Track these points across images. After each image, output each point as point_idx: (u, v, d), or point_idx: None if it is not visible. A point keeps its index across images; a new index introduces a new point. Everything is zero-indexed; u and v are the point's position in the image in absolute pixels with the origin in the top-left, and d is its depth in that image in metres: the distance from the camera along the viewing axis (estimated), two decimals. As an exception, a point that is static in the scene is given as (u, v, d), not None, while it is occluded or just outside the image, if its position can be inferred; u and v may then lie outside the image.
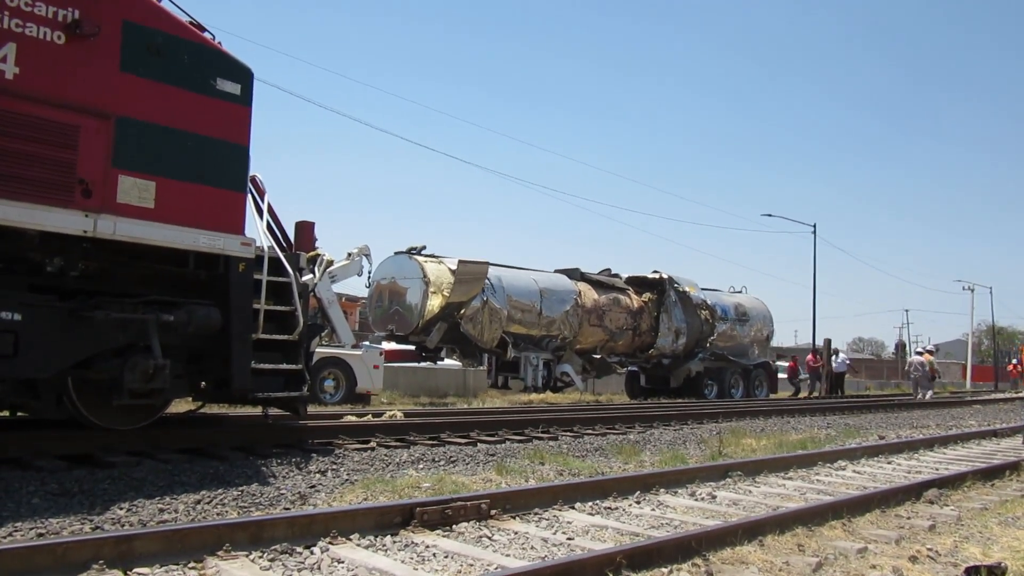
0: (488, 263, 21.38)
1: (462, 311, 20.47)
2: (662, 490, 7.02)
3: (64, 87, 6.25)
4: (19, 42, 6.00)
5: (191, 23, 7.28)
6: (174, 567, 4.18)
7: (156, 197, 6.79)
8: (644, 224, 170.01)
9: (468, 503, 5.57)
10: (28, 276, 6.63)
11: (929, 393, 27.12)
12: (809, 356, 32.48)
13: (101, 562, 4.00)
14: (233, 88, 7.34)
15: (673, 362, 25.66)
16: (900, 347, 75.25)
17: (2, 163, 5.93)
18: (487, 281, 21.04)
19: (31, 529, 5.06)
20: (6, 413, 7.76)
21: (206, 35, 7.39)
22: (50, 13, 6.16)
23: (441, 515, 5.36)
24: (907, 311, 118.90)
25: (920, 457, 10.49)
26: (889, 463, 9.73)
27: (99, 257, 6.81)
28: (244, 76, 7.45)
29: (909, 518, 6.28)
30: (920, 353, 29.24)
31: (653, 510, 6.30)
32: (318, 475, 7.33)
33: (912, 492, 7.12)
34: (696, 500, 6.78)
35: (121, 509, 5.66)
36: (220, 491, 6.41)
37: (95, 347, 6.91)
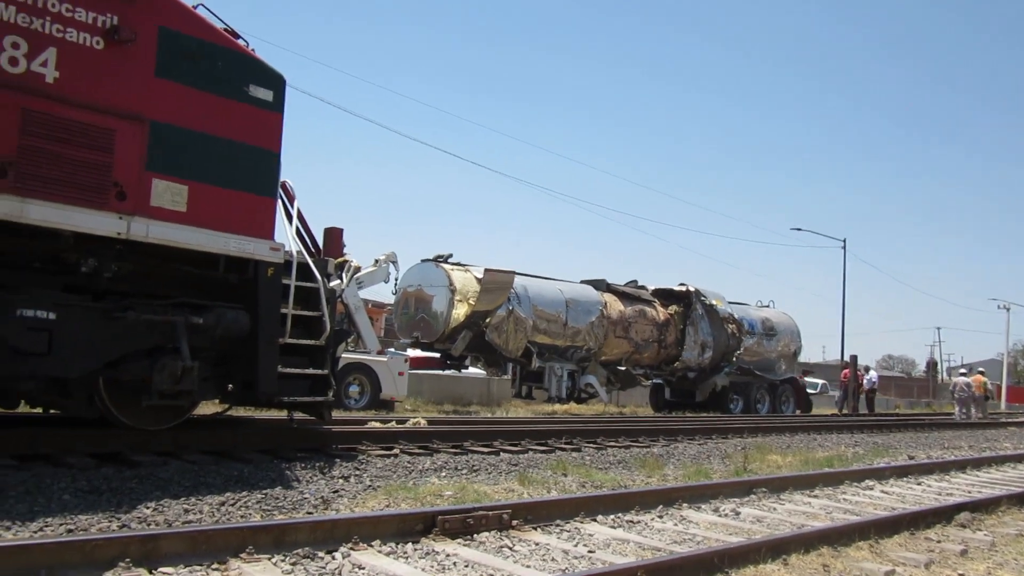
0: (514, 272, 21.39)
1: (487, 320, 20.49)
2: (685, 505, 6.96)
3: (101, 91, 6.36)
4: (60, 47, 6.13)
5: (225, 30, 7.39)
6: (198, 568, 4.22)
7: (188, 201, 6.89)
8: (671, 236, 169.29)
9: (490, 513, 5.56)
10: (62, 276, 6.74)
11: (979, 413, 26.81)
12: (843, 372, 32.09)
13: (128, 560, 4.05)
14: (265, 94, 7.43)
15: (698, 375, 25.48)
16: (931, 365, 74.07)
17: (40, 165, 6.04)
18: (513, 290, 21.05)
19: (61, 525, 5.14)
20: (39, 410, 7.88)
21: (239, 42, 7.49)
22: (90, 19, 6.29)
23: (463, 524, 5.35)
24: (939, 329, 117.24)
25: (951, 479, 10.30)
26: (919, 484, 9.57)
27: (132, 259, 6.91)
28: (276, 82, 7.54)
29: (939, 541, 6.16)
30: (965, 374, 28.82)
31: (676, 525, 6.25)
32: (341, 480, 7.36)
33: (943, 515, 6.98)
34: (719, 516, 6.72)
35: (148, 508, 5.73)
36: (244, 493, 6.46)
37: (126, 347, 7.01)
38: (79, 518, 5.32)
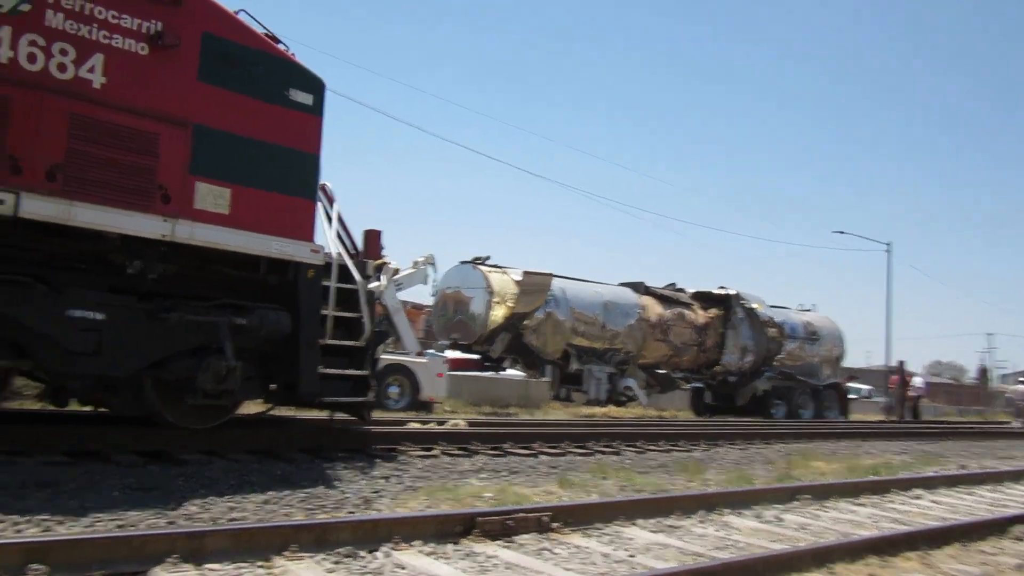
0: (552, 275, 21.37)
1: (526, 322, 20.48)
2: (726, 510, 6.86)
3: (146, 96, 6.48)
4: (106, 53, 6.26)
5: (266, 35, 7.48)
6: (243, 564, 4.26)
7: (231, 204, 6.99)
8: (711, 239, 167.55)
9: (529, 515, 5.54)
10: (109, 277, 6.88)
11: None
12: (892, 378, 31.44)
13: (175, 556, 4.11)
14: (305, 99, 7.52)
15: (739, 380, 25.18)
16: (983, 372, 72.23)
17: (88, 169, 6.18)
18: (551, 293, 21.02)
19: (111, 520, 5.23)
20: (88, 408, 8.06)
21: (280, 47, 7.58)
22: (135, 25, 6.41)
23: (502, 526, 5.34)
24: (990, 335, 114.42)
25: (1005, 490, 10.00)
26: (970, 494, 9.31)
27: (176, 261, 7.03)
28: (316, 87, 7.62)
29: (994, 554, 5.97)
30: (1023, 381, 28.06)
31: (717, 531, 6.16)
32: (382, 480, 7.40)
33: (997, 527, 6.76)
34: (762, 522, 6.61)
35: (194, 506, 5.81)
36: (287, 492, 6.52)
37: (171, 348, 7.13)
38: (128, 514, 5.42)
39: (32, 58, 5.92)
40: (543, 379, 22.40)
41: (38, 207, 5.98)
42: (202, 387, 7.18)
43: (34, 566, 3.76)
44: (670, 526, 6.15)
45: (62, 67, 6.04)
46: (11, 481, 5.73)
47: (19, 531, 4.82)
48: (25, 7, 5.87)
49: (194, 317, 7.13)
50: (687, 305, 24.69)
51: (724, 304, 25.17)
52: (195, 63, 6.74)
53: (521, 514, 5.52)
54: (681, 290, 25.55)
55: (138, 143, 6.44)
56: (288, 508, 6.16)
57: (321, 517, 5.93)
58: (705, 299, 25.39)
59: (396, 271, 15.34)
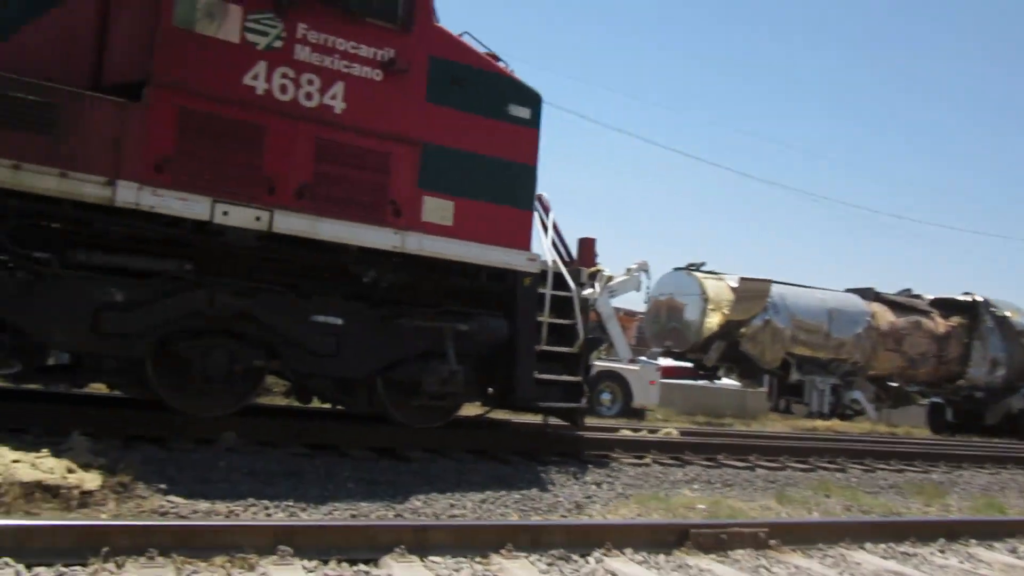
0: (771, 280, 20.51)
1: (742, 329, 19.81)
2: (972, 541, 6.24)
3: (380, 118, 7.03)
4: (346, 81, 6.86)
5: (487, 54, 7.84)
6: (463, 559, 4.50)
7: (454, 216, 7.41)
8: (953, 240, 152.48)
9: (745, 530, 5.37)
10: (347, 286, 7.50)
11: None
12: None
13: (403, 547, 4.41)
14: (523, 112, 7.79)
15: (988, 396, 22.72)
16: None
17: (331, 187, 6.81)
18: (770, 299, 20.18)
19: (346, 510, 5.72)
20: (327, 406, 8.82)
21: (500, 64, 7.91)
22: (371, 54, 6.96)
23: (716, 539, 5.22)
24: None
25: None
26: None
27: (405, 270, 7.53)
28: (533, 101, 7.88)
29: None
30: None
31: (961, 563, 5.63)
32: (593, 486, 7.48)
33: None
34: (1017, 558, 5.96)
35: (418, 501, 6.19)
36: (503, 492, 6.77)
37: (400, 351, 7.65)
38: (361, 505, 5.89)
39: (284, 89, 6.61)
40: (760, 389, 21.53)
41: (289, 223, 6.67)
42: (427, 389, 7.63)
43: (282, 547, 4.19)
44: (904, 553, 5.71)
45: (309, 96, 6.70)
46: (263, 469, 6.40)
47: (269, 515, 5.40)
48: (278, 43, 6.58)
49: (422, 323, 7.59)
50: (924, 313, 22.70)
51: (969, 312, 22.86)
52: (423, 85, 7.20)
53: (736, 528, 5.37)
54: (917, 296, 23.54)
55: (373, 162, 7.00)
56: (504, 508, 6.40)
57: (536, 519, 6.11)
58: (946, 306, 23.20)
59: (610, 278, 15.37)
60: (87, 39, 6.37)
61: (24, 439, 5.79)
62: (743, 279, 19.98)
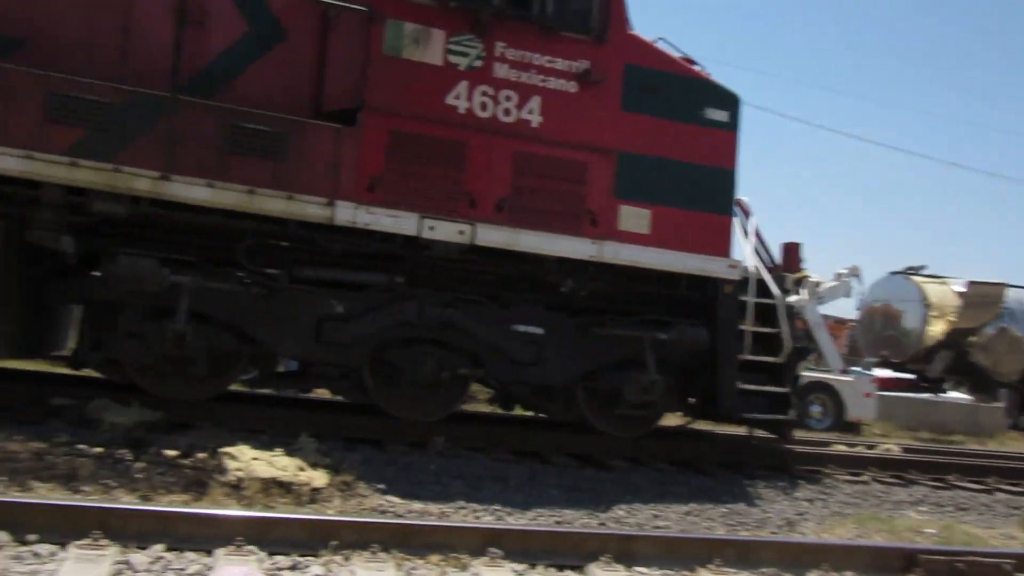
0: (1005, 284, 18.58)
1: (972, 338, 18.07)
2: None
3: (576, 130, 7.12)
4: (543, 95, 7.02)
5: (682, 58, 7.71)
6: (669, 572, 4.42)
7: (651, 224, 7.34)
8: None
9: (986, 559, 4.86)
10: (546, 296, 7.62)
11: None
12: None
13: (608, 555, 4.40)
14: (721, 115, 7.58)
15: None
16: None
17: (529, 199, 6.98)
18: (1004, 305, 18.28)
19: (551, 516, 5.80)
20: (530, 413, 9.00)
21: (695, 67, 7.75)
22: (566, 67, 7.08)
23: (950, 568, 4.77)
24: None
25: None
26: None
27: (602, 279, 7.54)
28: (731, 103, 7.65)
29: None
30: None
31: None
32: (805, 503, 7.10)
33: None
34: None
35: (621, 510, 6.16)
36: (708, 506, 6.59)
37: (599, 360, 7.67)
38: (564, 512, 5.95)
39: (484, 106, 6.88)
40: (996, 404, 19.49)
41: (490, 235, 6.91)
42: (627, 398, 7.60)
43: (492, 549, 4.31)
44: None
45: (507, 111, 6.92)
46: (470, 473, 6.62)
47: (477, 517, 5.58)
48: (478, 63, 6.85)
49: (620, 332, 7.58)
50: None
51: None
52: (618, 94, 7.22)
53: (975, 557, 4.87)
54: None
55: (570, 173, 7.10)
56: (709, 521, 6.22)
57: (744, 534, 5.89)
58: None
59: (817, 284, 14.59)
60: (308, 71, 6.94)
61: (261, 439, 6.37)
62: (973, 283, 18.26)
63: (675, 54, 7.67)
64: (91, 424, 6.21)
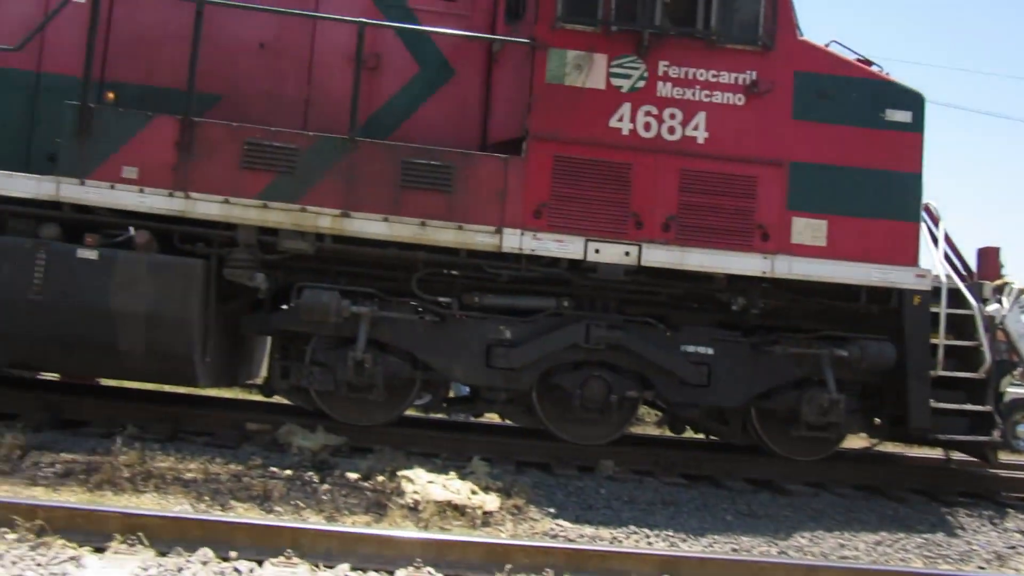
0: None
1: None
2: None
3: (743, 143, 6.93)
4: (707, 110, 6.89)
5: (859, 60, 7.34)
6: (861, 611, 4.15)
7: (827, 235, 7.01)
8: None
9: None
10: (716, 314, 7.44)
11: None
12: None
13: (794, 588, 4.21)
14: (903, 116, 7.14)
15: None
16: None
17: (696, 217, 6.86)
18: None
19: (726, 543, 5.62)
20: (700, 436, 8.77)
21: (873, 68, 7.34)
22: (731, 79, 6.91)
23: None
24: None
25: None
26: None
27: (775, 295, 7.27)
28: (914, 102, 7.18)
29: None
30: None
31: None
32: (1018, 535, 6.47)
33: None
34: None
35: (802, 538, 5.87)
36: (901, 535, 6.16)
37: (774, 380, 7.38)
38: (741, 539, 5.74)
39: (647, 126, 6.84)
40: None
41: (657, 255, 6.84)
42: (805, 419, 7.26)
43: (667, 576, 4.23)
44: None
45: (671, 130, 6.85)
46: (640, 497, 6.53)
47: (650, 543, 5.49)
48: (641, 84, 6.83)
49: (796, 349, 7.27)
50: None
51: None
52: (788, 103, 6.97)
53: None
54: None
55: (738, 188, 6.91)
56: (904, 552, 5.82)
57: (945, 568, 5.47)
58: None
59: (1021, 292, 13.32)
60: (475, 105, 7.27)
61: (434, 462, 6.60)
62: None
63: (850, 56, 7.31)
64: (281, 448, 6.69)
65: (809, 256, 6.99)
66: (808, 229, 7.00)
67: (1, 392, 7.43)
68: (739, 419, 7.75)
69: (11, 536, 4.28)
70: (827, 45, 7.27)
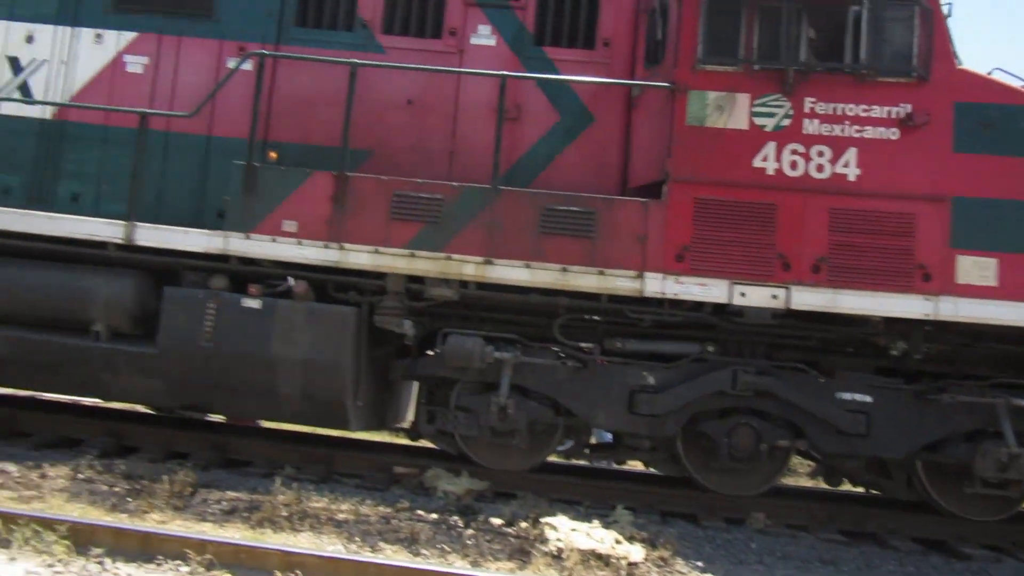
0: None
1: None
2: None
3: (898, 179, 6.57)
4: (858, 146, 6.59)
5: (1024, 87, 6.84)
6: None
7: (999, 274, 6.51)
8: None
9: None
10: (874, 360, 7.03)
11: None
12: None
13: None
14: None
15: None
16: None
17: (848, 257, 6.53)
18: None
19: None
20: (860, 489, 8.21)
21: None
22: (884, 113, 6.60)
23: None
24: None
25: None
26: None
27: (940, 339, 6.81)
28: None
29: None
30: None
31: None
32: None
33: None
34: None
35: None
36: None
37: (942, 430, 6.86)
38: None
39: (794, 165, 6.62)
40: None
41: (806, 298, 6.56)
42: (980, 474, 6.68)
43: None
44: None
45: (820, 168, 6.59)
46: (795, 553, 6.17)
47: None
48: (786, 122, 6.63)
49: (966, 398, 6.74)
50: None
51: None
52: (948, 135, 6.58)
53: None
54: None
55: (895, 226, 6.54)
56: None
57: None
58: None
59: None
60: (614, 150, 7.30)
61: (577, 509, 6.51)
62: None
63: (1015, 83, 6.83)
64: (427, 491, 6.81)
65: (977, 297, 6.50)
66: (975, 268, 6.52)
67: (174, 433, 8.03)
68: (903, 472, 7.25)
69: (184, 568, 4.57)
70: (989, 73, 6.83)
